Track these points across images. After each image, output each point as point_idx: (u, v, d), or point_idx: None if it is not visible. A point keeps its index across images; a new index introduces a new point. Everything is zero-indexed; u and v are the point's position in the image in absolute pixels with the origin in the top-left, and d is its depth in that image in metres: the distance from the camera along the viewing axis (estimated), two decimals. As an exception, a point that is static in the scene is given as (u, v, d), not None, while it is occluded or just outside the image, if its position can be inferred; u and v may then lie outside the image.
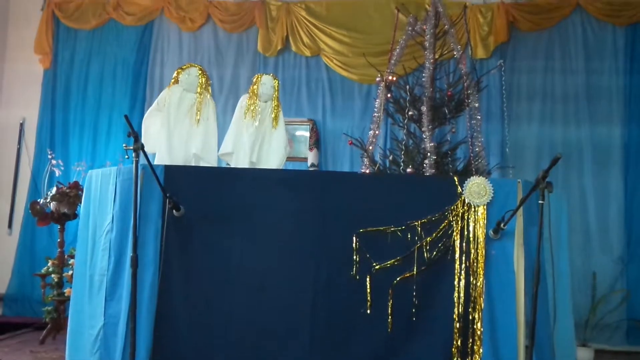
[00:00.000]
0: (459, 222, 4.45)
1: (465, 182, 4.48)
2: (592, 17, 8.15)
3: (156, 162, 5.21)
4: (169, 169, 4.63)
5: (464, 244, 4.43)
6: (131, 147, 4.14)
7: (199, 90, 5.40)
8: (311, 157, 8.38)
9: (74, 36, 9.18)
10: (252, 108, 5.46)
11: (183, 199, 4.51)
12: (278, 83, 5.60)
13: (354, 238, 4.47)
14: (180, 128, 5.36)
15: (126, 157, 4.15)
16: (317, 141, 8.45)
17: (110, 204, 4.73)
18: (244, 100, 5.55)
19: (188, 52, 8.97)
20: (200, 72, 5.46)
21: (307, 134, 8.45)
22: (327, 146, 8.54)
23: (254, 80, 5.57)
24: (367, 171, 6.56)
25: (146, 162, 4.40)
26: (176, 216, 4.51)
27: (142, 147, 4.17)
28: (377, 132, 6.69)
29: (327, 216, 4.55)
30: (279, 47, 8.69)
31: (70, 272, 6.86)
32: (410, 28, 6.87)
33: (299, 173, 5.65)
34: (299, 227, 4.57)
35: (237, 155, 5.44)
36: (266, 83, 5.51)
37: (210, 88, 5.55)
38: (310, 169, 8.21)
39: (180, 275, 4.53)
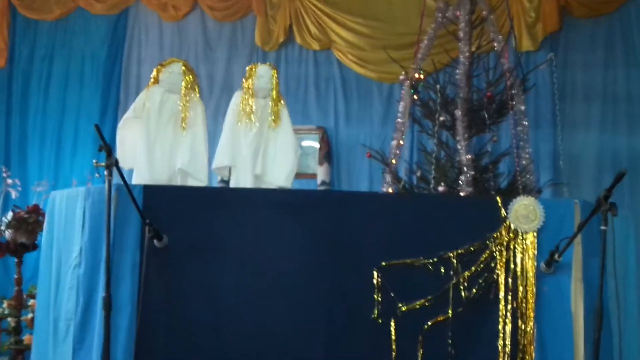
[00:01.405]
0: (504, 253, 4.43)
1: (511, 203, 4.47)
2: (661, 0, 8.16)
3: (134, 181, 5.22)
4: (149, 190, 4.62)
5: (509, 280, 4.41)
6: (103, 164, 4.13)
7: (183, 90, 5.42)
8: (321, 173, 8.38)
9: (34, 28, 9.26)
10: (248, 108, 5.46)
11: (166, 226, 4.50)
12: (277, 73, 5.59)
13: (375, 273, 4.46)
14: (163, 138, 5.37)
15: (97, 175, 4.14)
16: (328, 154, 8.46)
17: (77, 233, 4.71)
18: (237, 98, 5.54)
19: (170, 46, 9.02)
20: (184, 68, 5.48)
21: (316, 144, 8.46)
22: (341, 160, 8.55)
23: (248, 73, 5.56)
24: (390, 190, 6.55)
25: (121, 181, 4.39)
26: (158, 247, 4.50)
27: (116, 162, 4.16)
28: (401, 142, 6.68)
29: (342, 246, 4.54)
30: (280, 40, 8.73)
31: (30, 316, 6.87)
32: (440, 15, 6.87)
33: (306, 194, 5.61)
34: (308, 260, 4.56)
35: (236, 169, 5.45)
36: (263, 75, 5.50)
37: (198, 88, 5.57)
38: (321, 188, 8.21)
39: (162, 320, 4.52)
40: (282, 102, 5.57)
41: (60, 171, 8.85)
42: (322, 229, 4.58)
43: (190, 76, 5.49)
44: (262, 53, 8.77)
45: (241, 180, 5.40)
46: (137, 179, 5.26)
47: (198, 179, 5.36)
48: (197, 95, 5.54)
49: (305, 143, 8.42)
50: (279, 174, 5.46)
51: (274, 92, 5.51)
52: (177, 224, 4.58)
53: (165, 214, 4.56)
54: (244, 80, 5.56)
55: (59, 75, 9.10)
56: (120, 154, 5.26)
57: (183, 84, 5.43)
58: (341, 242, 4.55)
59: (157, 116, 5.38)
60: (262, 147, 5.47)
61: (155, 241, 4.47)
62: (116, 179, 4.22)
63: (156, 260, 4.49)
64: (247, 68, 5.61)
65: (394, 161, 6.65)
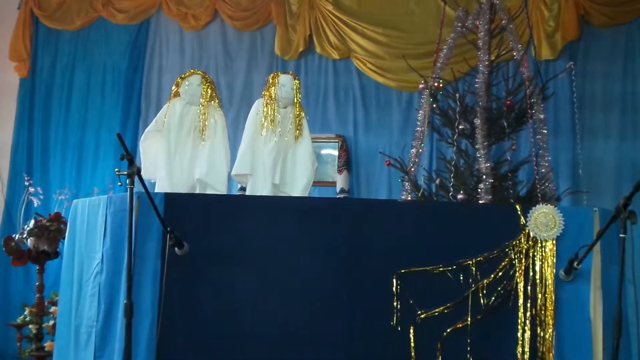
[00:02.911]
0: (523, 261, 4.41)
1: (530, 211, 4.45)
2: (681, 9, 8.11)
3: (156, 190, 5.24)
4: (170, 198, 4.63)
5: (528, 288, 4.39)
6: (125, 172, 4.14)
7: (202, 101, 5.45)
8: (340, 181, 8.38)
9: (56, 39, 9.32)
10: (270, 117, 5.47)
11: (187, 234, 4.50)
12: (299, 84, 5.61)
13: (394, 280, 4.45)
14: (183, 150, 5.42)
15: (119, 183, 4.16)
16: (347, 162, 8.45)
17: (99, 240, 4.75)
18: (259, 106, 5.55)
19: (191, 55, 9.05)
20: (203, 79, 5.52)
21: (336, 152, 8.46)
22: (360, 168, 8.54)
23: (270, 81, 5.58)
24: (409, 198, 6.55)
25: (142, 190, 4.40)
26: (179, 255, 4.50)
27: (138, 171, 4.15)
28: (420, 150, 6.69)
29: (361, 253, 4.54)
30: (300, 49, 8.74)
31: (51, 323, 6.91)
32: (459, 24, 6.87)
33: (326, 201, 5.62)
34: (327, 267, 4.56)
35: (255, 177, 5.47)
36: (285, 84, 5.52)
37: (217, 98, 5.60)
38: (340, 196, 8.20)
39: (183, 327, 4.53)
40: (303, 112, 5.58)
41: (82, 180, 8.89)
42: (341, 236, 4.57)
43: (209, 87, 5.52)
44: (282, 62, 8.78)
45: (259, 189, 5.41)
46: (158, 189, 5.31)
47: (216, 189, 5.39)
48: (217, 105, 5.56)
49: (324, 151, 8.42)
50: (296, 186, 5.49)
51: (296, 102, 5.53)
52: (198, 232, 4.59)
53: (186, 222, 4.57)
54: (265, 88, 5.57)
55: (80, 85, 9.14)
56: (143, 167, 5.29)
57: (202, 95, 5.46)
58: (360, 249, 4.54)
59: (177, 128, 5.42)
60: (281, 157, 5.48)
61: (176, 249, 4.47)
62: (138, 187, 4.21)
63: (177, 268, 4.47)
64: (269, 77, 5.63)
65: (413, 169, 6.66)
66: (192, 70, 5.66)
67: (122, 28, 9.18)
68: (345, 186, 8.35)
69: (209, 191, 5.36)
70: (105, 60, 9.17)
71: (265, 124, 5.45)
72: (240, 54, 8.99)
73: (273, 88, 5.51)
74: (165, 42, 9.16)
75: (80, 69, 9.19)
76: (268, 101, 5.49)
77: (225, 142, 5.50)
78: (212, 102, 5.52)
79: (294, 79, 5.57)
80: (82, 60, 9.22)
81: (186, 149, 5.40)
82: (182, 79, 5.54)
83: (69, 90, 9.16)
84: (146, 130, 5.59)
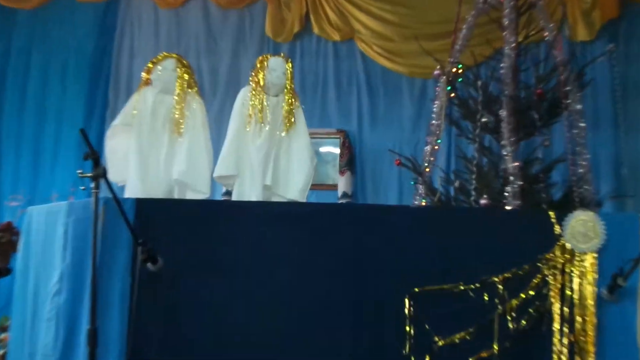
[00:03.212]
0: (558, 277, 4.38)
1: (566, 218, 4.42)
2: None
3: (126, 195, 5.21)
4: (142, 204, 4.59)
5: (565, 309, 4.35)
6: (89, 174, 4.09)
7: (178, 89, 5.42)
8: (342, 183, 8.40)
9: (11, 19, 9.36)
10: (257, 107, 5.44)
11: (162, 247, 4.43)
12: (292, 68, 5.58)
13: (407, 301, 4.41)
14: (158, 147, 5.39)
15: (82, 187, 4.12)
16: (350, 161, 8.47)
17: (58, 255, 4.69)
18: (245, 95, 5.52)
19: (168, 37, 9.10)
20: (178, 63, 5.50)
21: (337, 150, 8.48)
22: (365, 168, 8.57)
23: (257, 65, 5.53)
24: (423, 204, 6.53)
25: (110, 195, 4.32)
26: (152, 271, 4.45)
27: (105, 172, 4.12)
28: (436, 147, 6.69)
29: (368, 270, 4.50)
30: (295, 30, 8.77)
31: (1, 352, 6.87)
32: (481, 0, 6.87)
33: (325, 208, 5.56)
34: (326, 286, 4.52)
35: (242, 178, 5.43)
36: (276, 69, 5.48)
37: (196, 85, 5.58)
38: (342, 201, 8.21)
39: (158, 357, 4.47)
40: (297, 101, 5.55)
41: (38, 183, 8.90)
42: (344, 249, 4.54)
43: (186, 72, 5.50)
44: (274, 45, 8.84)
45: (247, 192, 5.38)
46: (129, 193, 5.26)
47: (198, 191, 5.36)
48: (196, 93, 5.53)
49: (323, 149, 8.45)
50: (292, 187, 5.46)
51: (288, 89, 5.50)
52: (174, 243, 4.55)
53: (161, 232, 4.53)
54: (252, 74, 5.55)
55: (38, 71, 9.19)
56: (110, 168, 5.26)
57: (177, 82, 5.43)
58: (366, 264, 4.51)
59: (150, 122, 5.40)
60: (273, 154, 5.45)
61: (149, 265, 4.40)
62: (104, 192, 4.18)
63: (150, 287, 4.44)
64: (257, 60, 5.58)
65: (427, 169, 6.67)
66: (165, 53, 5.64)
67: (87, 6, 9.24)
68: (348, 190, 8.38)
69: (189, 195, 5.34)
70: (67, 42, 9.21)
71: (253, 115, 5.42)
72: (225, 35, 9.04)
73: (261, 73, 5.47)
74: (137, 22, 9.20)
75: (39, 53, 9.21)
76: (256, 89, 5.46)
77: (206, 136, 5.48)
78: (190, 89, 5.49)
79: (286, 62, 5.53)
80: (40, 42, 9.28)
81: (161, 145, 5.37)
82: (154, 63, 5.51)
83: (25, 76, 9.22)
84: (112, 124, 5.54)
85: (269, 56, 5.59)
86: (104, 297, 4.35)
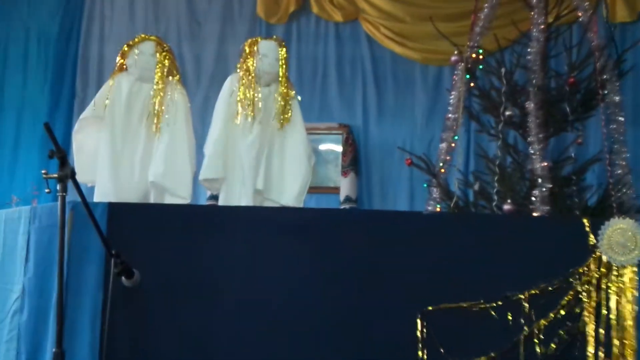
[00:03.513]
0: (593, 294, 4.40)
1: (602, 227, 4.44)
2: None
3: (96, 198, 5.22)
4: (115, 210, 4.59)
5: (600, 330, 4.37)
6: (54, 175, 4.08)
7: (157, 77, 5.44)
8: (345, 186, 8.41)
9: (-37, -2, 9.34)
10: (247, 99, 5.45)
11: (139, 259, 4.45)
12: (286, 52, 5.60)
13: (419, 321, 4.43)
14: (132, 143, 5.41)
15: (46, 190, 4.12)
16: (354, 161, 8.49)
17: (19, 267, 4.72)
18: (232, 85, 5.54)
19: (144, 19, 9.12)
20: (158, 47, 5.52)
21: (339, 148, 8.49)
22: (372, 169, 8.59)
23: (247, 50, 5.58)
24: (438, 209, 6.54)
25: (78, 199, 4.33)
26: (127, 286, 4.48)
27: (73, 173, 4.10)
28: (452, 144, 6.70)
29: (375, 285, 4.51)
30: (291, 9, 8.79)
31: (-45, 378, 6.88)
32: (505, -25, 6.91)
33: (326, 214, 5.56)
34: (329, 302, 4.53)
35: (230, 181, 5.45)
36: (268, 54, 5.51)
37: (178, 73, 5.60)
38: (345, 206, 8.22)
39: (133, 384, 4.51)
40: (292, 91, 5.57)
41: (-4, 185, 8.91)
42: (347, 261, 4.55)
43: (167, 57, 5.51)
44: (267, 27, 8.87)
45: (236, 196, 5.41)
46: (99, 197, 5.27)
47: (178, 196, 5.38)
48: (178, 82, 5.55)
49: (324, 146, 8.47)
50: (287, 192, 5.49)
51: (282, 77, 5.50)
52: (152, 255, 4.56)
53: (137, 242, 4.54)
54: (241, 60, 5.56)
55: (-5, 58, 9.18)
56: (78, 164, 5.27)
57: (157, 67, 5.44)
58: (373, 279, 4.52)
59: (124, 114, 5.43)
60: (265, 153, 5.46)
61: (123, 279, 4.43)
62: (72, 195, 4.16)
63: (125, 304, 4.45)
64: (245, 44, 5.60)
65: (442, 170, 6.68)
66: (143, 35, 5.65)
67: (49, -18, 9.22)
68: (352, 193, 8.39)
69: (168, 200, 5.36)
70: (28, 25, 9.22)
71: (242, 108, 5.41)
72: (211, 16, 9.06)
73: (251, 59, 5.50)
74: (109, 2, 9.18)
75: (-5, 37, 9.21)
76: (245, 78, 5.47)
77: (189, 132, 5.50)
78: (171, 77, 5.51)
79: (279, 46, 5.56)
80: (-2, 24, 9.25)
81: (137, 141, 5.39)
82: (130, 46, 5.54)
83: (-21, 64, 9.19)
84: (81, 116, 5.56)
85: (259, 39, 5.60)
86: (72, 316, 4.39)
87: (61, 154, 4.06)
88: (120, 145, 5.39)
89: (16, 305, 4.68)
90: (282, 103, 5.49)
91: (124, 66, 5.52)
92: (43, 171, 4.15)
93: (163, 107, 5.40)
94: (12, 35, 9.16)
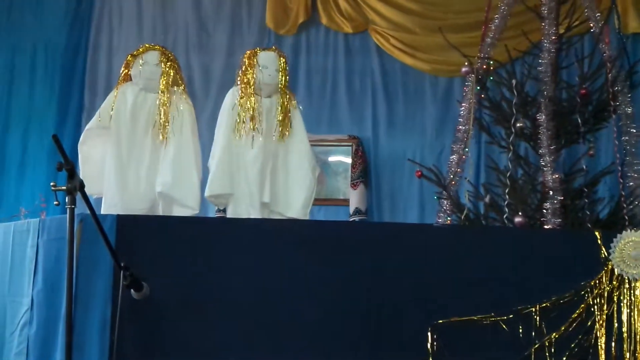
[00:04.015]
0: (605, 308, 4.40)
1: (614, 240, 4.45)
2: None
3: (103, 210, 5.22)
4: (124, 222, 4.61)
5: (612, 344, 4.37)
6: (63, 187, 4.08)
7: (162, 86, 5.44)
8: (355, 198, 8.39)
9: (-31, 8, 9.34)
10: (248, 111, 5.45)
11: (147, 271, 4.46)
12: (285, 62, 5.60)
13: (429, 334, 4.44)
14: (139, 153, 5.40)
15: (55, 202, 4.13)
16: (364, 172, 8.48)
17: (27, 280, 4.73)
18: (232, 98, 5.53)
19: (152, 29, 9.10)
20: (162, 57, 5.52)
21: (349, 160, 8.48)
22: (381, 181, 8.57)
23: (246, 62, 5.56)
24: (449, 222, 6.55)
25: (87, 211, 4.34)
26: (136, 299, 4.49)
27: (82, 185, 4.10)
28: (463, 156, 6.70)
29: (385, 298, 4.53)
30: (300, 20, 8.78)
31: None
32: (516, -14, 6.91)
33: (335, 227, 5.56)
34: (337, 316, 4.54)
35: (237, 196, 5.45)
36: (268, 65, 5.50)
37: (183, 82, 5.61)
38: (354, 219, 8.21)
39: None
40: (294, 101, 5.56)
41: (3, 197, 8.89)
42: (357, 274, 4.56)
43: (172, 67, 5.51)
44: (276, 38, 8.83)
45: (243, 211, 5.39)
46: (107, 209, 5.27)
47: (186, 206, 5.37)
48: (183, 91, 5.55)
49: (333, 158, 8.45)
50: (293, 203, 5.49)
51: (283, 88, 5.51)
52: (162, 268, 4.57)
53: (146, 254, 4.56)
54: (240, 72, 5.55)
55: (2, 69, 9.15)
56: (84, 177, 5.26)
57: (162, 77, 5.45)
58: (383, 292, 4.54)
59: (130, 124, 5.42)
60: (269, 166, 5.47)
61: (132, 291, 4.44)
62: (80, 207, 4.15)
63: (134, 317, 4.46)
64: (244, 56, 5.59)
65: (453, 182, 6.68)
66: (147, 45, 5.65)
67: (57, -6, 9.23)
68: (362, 205, 8.37)
69: (176, 211, 5.34)
70: (35, 36, 9.19)
71: (244, 122, 5.41)
72: (220, 27, 9.05)
73: (251, 71, 5.48)
74: (117, 12, 9.20)
75: (2, 48, 9.19)
76: (245, 90, 5.47)
77: (195, 141, 5.49)
78: (176, 87, 5.50)
79: (279, 57, 5.56)
80: (5, 36, 9.23)
81: (143, 151, 5.39)
82: (134, 56, 5.54)
83: (-14, 76, 9.18)
84: (86, 127, 5.57)
85: (258, 51, 5.58)
86: (80, 329, 4.40)
87: (69, 166, 4.04)
88: (127, 155, 5.39)
89: (25, 317, 4.69)
90: (283, 115, 5.48)
91: (129, 76, 5.53)
92: (52, 183, 4.14)
93: (169, 117, 5.40)
94: (20, 47, 9.14)
